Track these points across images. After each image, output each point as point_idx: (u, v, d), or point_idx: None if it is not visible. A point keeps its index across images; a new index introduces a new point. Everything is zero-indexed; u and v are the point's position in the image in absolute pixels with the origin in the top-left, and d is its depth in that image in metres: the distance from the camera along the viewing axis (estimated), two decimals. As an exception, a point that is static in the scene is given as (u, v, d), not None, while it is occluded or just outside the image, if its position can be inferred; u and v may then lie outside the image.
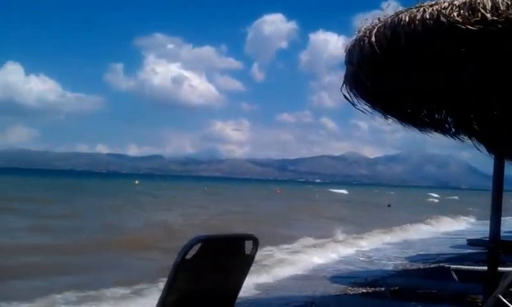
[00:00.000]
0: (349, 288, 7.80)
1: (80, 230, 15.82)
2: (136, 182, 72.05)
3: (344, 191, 73.59)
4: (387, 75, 4.05)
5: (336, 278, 8.98)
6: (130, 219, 20.03)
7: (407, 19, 3.31)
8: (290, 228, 18.24)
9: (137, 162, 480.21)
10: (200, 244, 2.27)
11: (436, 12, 3.18)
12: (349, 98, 4.22)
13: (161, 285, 2.41)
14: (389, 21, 3.49)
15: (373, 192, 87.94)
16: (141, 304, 6.64)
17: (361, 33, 3.64)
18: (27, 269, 9.16)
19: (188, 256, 2.23)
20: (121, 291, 7.31)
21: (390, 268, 10.34)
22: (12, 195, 29.06)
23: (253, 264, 2.62)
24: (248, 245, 2.55)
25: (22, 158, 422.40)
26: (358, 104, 4.30)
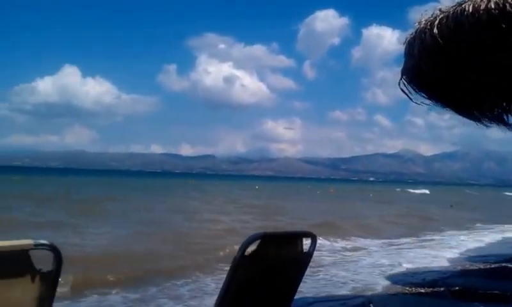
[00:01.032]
0: (407, 288, 7.62)
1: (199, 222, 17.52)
2: (192, 182, 73.13)
3: (426, 191, 68.12)
4: (449, 66, 3.95)
5: (393, 277, 8.80)
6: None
7: (471, 9, 3.24)
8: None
9: (190, 161, 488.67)
10: (258, 241, 2.29)
11: (501, 1, 3.10)
12: (407, 92, 4.14)
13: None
14: (451, 12, 3.42)
15: (454, 190, 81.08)
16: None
17: (422, 25, 3.58)
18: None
19: (247, 253, 2.26)
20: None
21: (448, 268, 10.03)
22: (96, 195, 29.78)
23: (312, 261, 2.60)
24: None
25: (79, 159, 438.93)
26: (416, 98, 4.21)
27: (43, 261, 1.97)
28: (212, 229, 15.51)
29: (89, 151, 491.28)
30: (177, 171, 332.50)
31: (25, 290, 1.91)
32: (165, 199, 29.89)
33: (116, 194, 32.31)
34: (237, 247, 2.29)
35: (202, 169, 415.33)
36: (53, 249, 1.93)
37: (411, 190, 69.58)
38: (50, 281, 1.96)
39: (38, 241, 1.87)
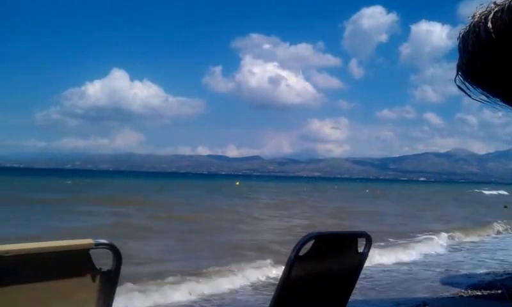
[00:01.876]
0: (463, 290, 7.41)
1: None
2: (237, 183, 73.58)
3: (503, 192, 60.64)
4: (505, 60, 3.80)
5: (449, 279, 8.59)
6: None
7: (528, 1, 3.10)
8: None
9: (237, 162, 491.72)
10: (312, 241, 2.24)
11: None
12: (464, 89, 4.01)
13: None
14: (506, 5, 3.29)
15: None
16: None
17: (476, 19, 3.46)
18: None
19: (301, 253, 2.21)
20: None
21: (502, 270, 9.69)
22: (164, 199, 30.80)
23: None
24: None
25: (128, 161, 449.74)
26: (473, 94, 4.08)
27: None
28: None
29: (138, 153, 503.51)
30: (223, 173, 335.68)
31: (86, 289, 1.92)
32: (236, 203, 30.31)
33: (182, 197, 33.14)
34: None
35: (248, 171, 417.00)
36: (112, 248, 1.94)
37: (487, 192, 62.88)
38: (110, 279, 1.97)
39: (98, 240, 1.89)
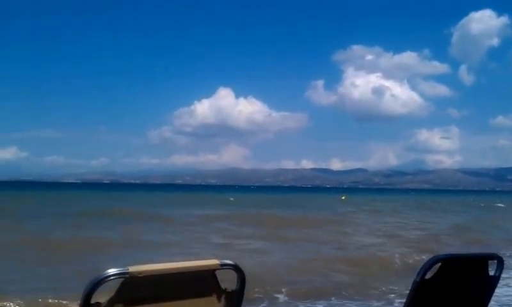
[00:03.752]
0: None
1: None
2: (343, 197, 72.45)
3: None
4: None
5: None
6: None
7: None
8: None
9: (341, 175, 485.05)
10: (439, 264, 2.14)
11: None
12: None
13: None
14: None
15: None
16: None
17: None
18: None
19: (427, 276, 2.13)
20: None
21: None
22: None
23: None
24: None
25: (235, 176, 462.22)
26: None
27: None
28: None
29: (244, 168, 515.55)
30: (328, 186, 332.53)
31: None
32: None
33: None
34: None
35: (353, 183, 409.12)
36: (237, 269, 2.00)
37: None
38: (234, 300, 2.02)
39: (223, 261, 1.95)
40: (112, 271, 1.72)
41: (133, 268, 1.75)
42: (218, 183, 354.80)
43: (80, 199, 47.39)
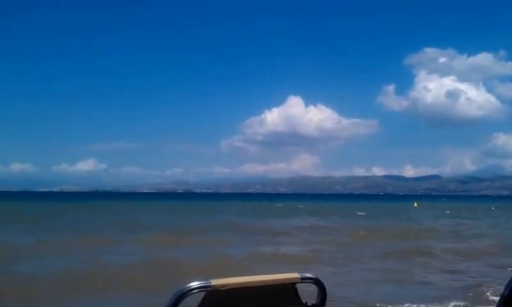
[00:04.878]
0: None
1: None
2: (415, 204, 71.70)
3: None
4: None
5: None
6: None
7: None
8: None
9: (414, 182, 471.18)
10: None
11: None
12: None
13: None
14: None
15: None
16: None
17: None
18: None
19: None
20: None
21: None
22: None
23: None
24: None
25: (305, 183, 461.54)
26: None
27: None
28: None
29: (314, 175, 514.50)
30: (400, 193, 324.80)
31: None
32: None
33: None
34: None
35: (427, 190, 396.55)
36: (318, 282, 1.99)
37: None
38: None
39: (304, 274, 1.96)
40: (195, 284, 1.76)
41: (215, 281, 1.78)
42: (288, 192, 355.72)
43: (186, 212, 49.18)
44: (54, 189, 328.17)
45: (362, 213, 46.36)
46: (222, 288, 1.77)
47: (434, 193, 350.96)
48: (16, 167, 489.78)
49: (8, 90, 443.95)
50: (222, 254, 17.14)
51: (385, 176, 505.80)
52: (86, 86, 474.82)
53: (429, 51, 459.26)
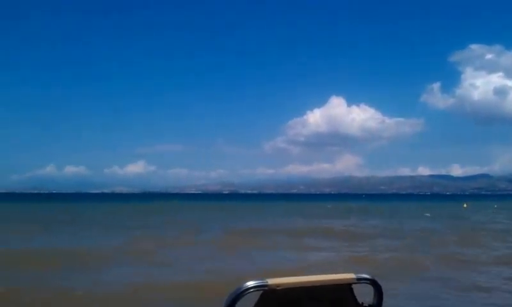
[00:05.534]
0: None
1: None
2: (464, 205, 71.05)
3: None
4: None
5: None
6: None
7: None
8: None
9: (462, 182, 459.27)
10: None
11: None
12: None
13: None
14: None
15: None
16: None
17: None
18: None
19: None
20: None
21: None
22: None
23: None
24: None
25: (348, 184, 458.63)
26: None
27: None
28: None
29: (358, 175, 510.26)
30: (447, 193, 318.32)
31: None
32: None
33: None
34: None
35: (476, 190, 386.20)
36: (374, 283, 2.00)
37: None
38: None
39: (360, 275, 1.97)
40: (251, 283, 1.79)
41: (272, 281, 1.80)
42: (332, 192, 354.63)
43: (251, 212, 48.73)
44: (106, 191, 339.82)
45: (428, 215, 43.26)
46: (278, 288, 1.81)
47: (483, 192, 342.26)
48: (70, 169, 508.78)
49: (62, 96, 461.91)
50: (332, 258, 16.93)
51: (431, 176, 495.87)
52: (134, 90, 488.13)
53: (475, 48, 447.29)
